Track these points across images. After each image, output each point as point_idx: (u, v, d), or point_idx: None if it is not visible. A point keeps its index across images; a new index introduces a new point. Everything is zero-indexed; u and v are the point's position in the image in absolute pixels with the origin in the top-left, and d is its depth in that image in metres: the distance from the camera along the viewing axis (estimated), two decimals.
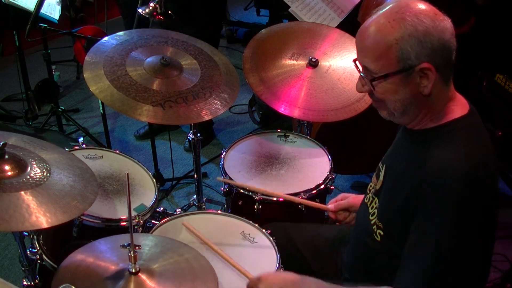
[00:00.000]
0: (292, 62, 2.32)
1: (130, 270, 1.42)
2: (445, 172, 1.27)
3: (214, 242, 1.78)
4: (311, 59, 2.29)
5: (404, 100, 1.33)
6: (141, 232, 1.91)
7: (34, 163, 1.57)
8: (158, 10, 2.56)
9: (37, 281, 1.85)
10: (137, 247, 1.42)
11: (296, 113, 2.19)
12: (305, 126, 2.48)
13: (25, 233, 1.86)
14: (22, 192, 1.44)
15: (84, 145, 2.20)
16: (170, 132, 3.34)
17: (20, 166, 1.52)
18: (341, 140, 2.81)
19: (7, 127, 3.32)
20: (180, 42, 2.22)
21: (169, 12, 2.56)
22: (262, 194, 1.99)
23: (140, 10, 2.58)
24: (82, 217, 1.82)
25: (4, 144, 1.50)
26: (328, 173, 2.14)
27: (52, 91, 3.57)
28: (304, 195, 2.02)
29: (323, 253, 1.83)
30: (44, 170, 1.56)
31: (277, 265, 1.72)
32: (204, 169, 3.35)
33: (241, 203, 2.09)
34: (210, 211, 2.07)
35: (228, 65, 2.21)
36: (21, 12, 3.14)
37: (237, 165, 2.20)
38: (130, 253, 1.40)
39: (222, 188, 2.17)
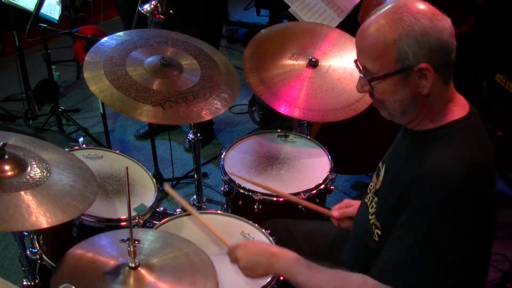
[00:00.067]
0: (292, 62, 2.32)
1: (130, 264, 1.42)
2: (438, 171, 1.27)
3: (214, 242, 1.78)
4: (311, 59, 2.29)
5: (404, 101, 1.33)
6: None
7: (34, 163, 1.57)
8: (159, 9, 2.56)
9: (37, 281, 1.85)
10: (136, 242, 1.42)
11: (296, 113, 2.19)
12: (305, 126, 2.48)
13: (25, 233, 1.86)
14: (22, 192, 1.44)
15: (84, 145, 2.20)
16: (170, 132, 3.34)
17: (20, 166, 1.52)
18: (341, 140, 2.81)
19: (7, 127, 3.32)
20: (180, 42, 2.22)
21: (170, 11, 2.56)
22: (269, 195, 1.99)
23: (141, 8, 2.57)
24: (82, 217, 1.82)
25: (4, 144, 1.50)
26: (328, 173, 2.15)
27: (52, 91, 3.57)
28: (304, 195, 2.02)
29: (323, 251, 1.83)
30: (44, 170, 1.56)
31: None
32: (204, 169, 3.35)
33: (241, 203, 2.09)
34: (210, 211, 2.07)
35: (228, 65, 2.21)
36: (21, 12, 3.14)
37: (237, 165, 2.20)
38: (130, 247, 1.40)
39: (222, 188, 2.17)
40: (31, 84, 3.73)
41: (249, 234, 1.85)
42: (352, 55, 2.31)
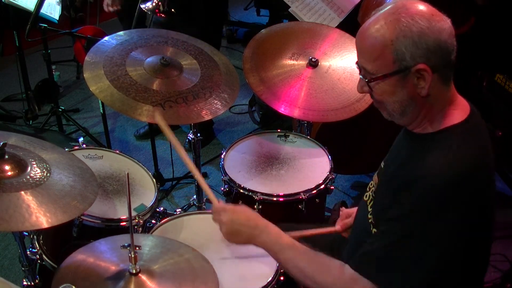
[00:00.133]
0: (292, 62, 2.32)
1: (131, 270, 1.42)
2: (431, 175, 1.27)
3: (214, 242, 1.78)
4: (311, 59, 2.29)
5: (402, 102, 1.34)
6: (141, 232, 1.91)
7: (34, 163, 1.57)
8: (161, 8, 2.56)
9: (37, 281, 1.85)
10: (137, 248, 1.42)
11: (296, 113, 2.19)
12: (305, 126, 2.48)
13: (25, 233, 1.86)
14: (22, 192, 1.44)
15: (84, 145, 2.20)
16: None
17: (20, 166, 1.52)
18: (341, 140, 2.81)
19: (7, 127, 3.32)
20: (180, 42, 2.22)
21: (172, 10, 2.56)
22: (268, 195, 1.98)
23: (142, 6, 2.57)
24: (82, 217, 1.82)
25: (4, 144, 1.50)
26: (328, 173, 2.15)
27: (52, 91, 3.57)
28: (304, 195, 2.02)
29: (323, 252, 1.83)
30: (44, 170, 1.56)
31: (276, 264, 1.72)
32: (204, 169, 3.35)
33: (241, 203, 2.09)
34: (210, 211, 2.07)
35: (228, 65, 2.21)
36: (21, 12, 3.14)
37: (237, 165, 2.20)
38: (131, 253, 1.40)
39: (222, 188, 2.18)
40: (31, 84, 3.73)
41: None
42: (352, 55, 2.31)
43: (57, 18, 3.25)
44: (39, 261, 1.91)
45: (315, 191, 2.06)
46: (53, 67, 3.69)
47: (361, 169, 3.18)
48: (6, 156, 1.51)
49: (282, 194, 2.03)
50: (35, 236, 1.96)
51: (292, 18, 2.82)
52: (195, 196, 2.53)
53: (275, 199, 2.02)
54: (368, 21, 1.33)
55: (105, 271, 1.46)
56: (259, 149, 2.30)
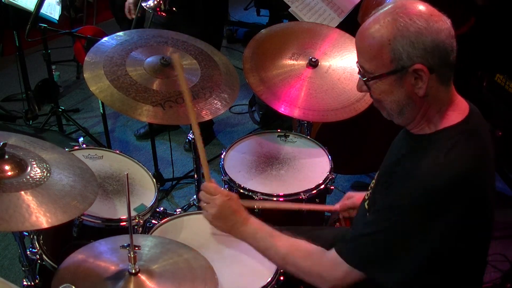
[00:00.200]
0: (292, 62, 2.32)
1: (130, 270, 1.42)
2: (424, 174, 1.28)
3: (214, 242, 1.78)
4: (311, 59, 2.29)
5: (400, 101, 1.34)
6: (141, 232, 1.91)
7: (34, 163, 1.57)
8: (162, 7, 2.56)
9: (37, 281, 1.85)
10: (136, 248, 1.42)
11: (296, 113, 2.19)
12: (305, 126, 2.48)
13: (25, 233, 1.86)
14: (22, 192, 1.44)
15: (84, 145, 2.20)
16: (170, 132, 3.34)
17: (20, 166, 1.52)
18: (341, 140, 2.81)
19: (7, 127, 3.32)
20: (180, 42, 2.22)
21: (173, 9, 2.55)
22: (269, 195, 1.99)
23: (143, 4, 2.57)
24: (82, 217, 1.82)
25: (4, 144, 1.50)
26: (328, 173, 2.15)
27: (52, 91, 3.57)
28: (304, 195, 2.02)
29: None
30: (44, 170, 1.56)
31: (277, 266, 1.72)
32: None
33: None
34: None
35: (228, 65, 2.21)
36: (21, 12, 3.14)
37: (237, 165, 2.20)
38: (130, 253, 1.40)
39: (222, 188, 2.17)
40: (31, 84, 3.73)
41: None
42: (352, 55, 2.31)
43: (57, 18, 3.25)
44: (39, 261, 1.91)
45: (315, 191, 2.06)
46: (53, 67, 3.69)
47: (361, 169, 3.18)
48: (6, 156, 1.51)
49: (282, 194, 2.03)
50: (35, 236, 1.96)
51: (292, 18, 2.81)
52: (195, 196, 2.53)
53: (275, 199, 2.02)
54: (367, 21, 1.34)
55: (105, 271, 1.46)
56: (259, 149, 2.30)
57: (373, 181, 1.62)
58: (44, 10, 3.07)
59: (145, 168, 2.17)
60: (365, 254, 1.37)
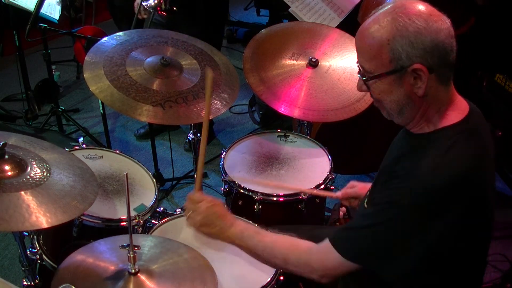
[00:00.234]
0: (292, 62, 2.32)
1: (130, 270, 1.42)
2: (422, 173, 1.28)
3: (214, 242, 1.78)
4: (311, 59, 2.29)
5: (399, 101, 1.34)
6: (141, 232, 1.91)
7: (34, 163, 1.57)
8: (162, 6, 2.56)
9: (37, 281, 1.85)
10: (136, 248, 1.42)
11: (296, 113, 2.19)
12: (305, 126, 2.48)
13: (25, 233, 1.85)
14: (22, 192, 1.44)
15: (84, 145, 2.20)
16: (170, 132, 3.34)
17: (20, 166, 1.52)
18: (341, 140, 2.81)
19: (7, 127, 3.32)
20: (180, 42, 2.22)
21: (174, 8, 2.55)
22: (269, 195, 1.98)
23: (144, 4, 2.57)
24: (82, 217, 1.82)
25: (4, 144, 1.50)
26: (328, 173, 2.15)
27: (52, 91, 3.57)
28: (304, 195, 2.02)
29: None
30: (44, 170, 1.56)
31: None
32: (204, 169, 3.34)
33: (241, 203, 2.09)
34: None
35: (228, 65, 2.21)
36: (21, 12, 3.14)
37: (237, 165, 2.20)
38: (130, 253, 1.40)
39: (222, 188, 2.18)
40: (31, 84, 3.73)
41: None
42: (352, 55, 2.31)
43: (57, 18, 3.25)
44: (39, 261, 1.91)
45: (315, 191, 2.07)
46: (53, 67, 3.69)
47: (361, 169, 3.18)
48: (6, 156, 1.51)
49: (282, 194, 2.03)
50: (35, 236, 1.96)
51: (292, 18, 2.81)
52: None
53: (275, 199, 2.02)
54: (367, 21, 1.34)
55: (105, 271, 1.46)
56: (259, 149, 2.30)
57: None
58: (44, 10, 3.07)
59: (145, 168, 2.17)
60: (357, 245, 1.37)
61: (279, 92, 2.23)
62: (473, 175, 1.30)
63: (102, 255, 1.53)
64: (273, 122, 3.72)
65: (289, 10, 2.81)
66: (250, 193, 2.03)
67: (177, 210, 2.05)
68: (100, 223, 1.86)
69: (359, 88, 1.42)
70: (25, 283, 1.85)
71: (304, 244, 1.48)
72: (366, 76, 1.35)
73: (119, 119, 3.92)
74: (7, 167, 1.49)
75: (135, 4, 3.05)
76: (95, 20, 5.27)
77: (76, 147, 2.17)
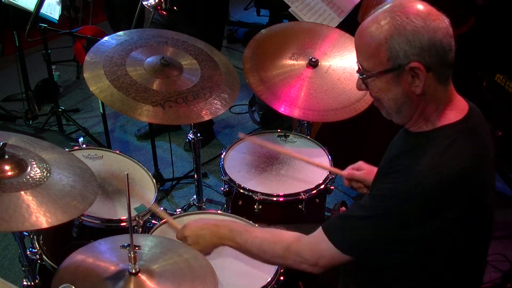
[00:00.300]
0: (292, 62, 2.32)
1: (130, 270, 1.42)
2: (421, 171, 1.28)
3: None
4: (311, 59, 2.29)
5: (398, 99, 1.35)
6: (141, 232, 1.91)
7: (34, 163, 1.57)
8: (163, 6, 2.55)
9: (37, 281, 1.85)
10: (137, 248, 1.42)
11: (296, 113, 2.19)
12: (305, 126, 2.48)
13: (25, 233, 1.86)
14: (22, 192, 1.44)
15: (84, 145, 2.20)
16: (170, 133, 3.34)
17: (20, 166, 1.52)
18: (341, 140, 2.81)
19: (7, 127, 3.32)
20: (180, 42, 2.22)
21: (174, 8, 2.55)
22: (269, 195, 1.99)
23: (144, 3, 2.56)
24: (82, 217, 1.82)
25: (4, 144, 1.50)
26: (328, 173, 2.15)
27: (52, 91, 3.57)
28: (304, 195, 2.02)
29: None
30: (44, 170, 1.56)
31: (276, 266, 1.72)
32: (204, 169, 3.35)
33: (241, 203, 2.09)
34: (210, 211, 2.07)
35: (228, 65, 2.21)
36: (21, 12, 3.14)
37: (237, 165, 2.20)
38: (130, 253, 1.40)
39: (222, 188, 2.18)
40: (31, 84, 3.73)
41: None
42: (352, 55, 2.31)
43: (57, 18, 3.25)
44: (39, 261, 1.91)
45: (315, 191, 2.07)
46: (53, 67, 3.69)
47: None
48: (6, 156, 1.50)
49: (282, 194, 2.03)
50: (35, 236, 1.96)
51: (292, 18, 2.81)
52: (195, 196, 2.53)
53: (275, 199, 2.02)
54: (366, 20, 1.35)
55: (105, 271, 1.46)
56: (259, 149, 2.30)
57: None
58: (44, 10, 3.07)
59: (145, 168, 2.17)
60: (350, 235, 1.38)
61: (279, 92, 2.22)
62: (473, 175, 1.30)
63: (102, 255, 1.53)
64: (273, 122, 3.72)
65: (289, 10, 2.81)
66: (250, 193, 2.03)
67: (177, 210, 2.05)
68: (100, 223, 1.86)
69: (359, 87, 1.43)
70: (25, 283, 1.85)
71: (293, 234, 1.49)
72: (365, 75, 1.36)
73: (119, 119, 3.92)
74: (7, 167, 1.49)
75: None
76: (96, 20, 5.27)
77: (76, 147, 2.17)
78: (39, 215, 1.40)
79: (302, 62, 2.31)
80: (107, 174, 2.09)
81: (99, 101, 3.17)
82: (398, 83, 1.32)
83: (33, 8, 2.93)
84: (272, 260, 1.52)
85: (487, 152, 1.37)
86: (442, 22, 1.28)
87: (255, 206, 2.02)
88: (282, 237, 1.49)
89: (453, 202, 1.29)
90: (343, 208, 2.10)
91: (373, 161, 1.88)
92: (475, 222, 1.35)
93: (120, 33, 2.18)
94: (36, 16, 2.93)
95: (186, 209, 2.72)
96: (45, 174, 1.54)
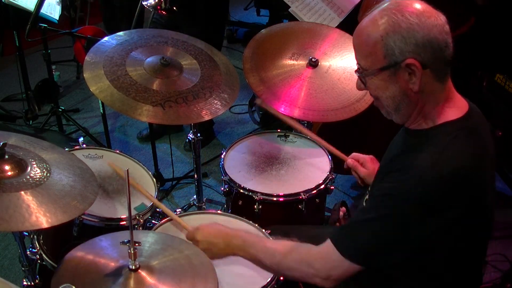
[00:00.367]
0: (292, 62, 2.32)
1: (130, 266, 1.42)
2: (420, 169, 1.28)
3: None
4: (311, 59, 2.29)
5: (395, 97, 1.35)
6: None
7: (34, 163, 1.57)
8: (162, 5, 2.55)
9: (37, 281, 1.85)
10: (137, 244, 1.42)
11: (296, 113, 2.19)
12: (305, 126, 2.48)
13: (25, 233, 1.86)
14: (22, 192, 1.44)
15: (84, 145, 2.20)
16: (171, 135, 3.34)
17: (20, 166, 1.52)
18: (341, 140, 2.80)
19: (7, 127, 3.32)
20: (180, 42, 2.22)
21: (174, 8, 2.55)
22: (269, 195, 1.99)
23: (144, 3, 2.56)
24: (82, 216, 1.82)
25: (4, 144, 1.50)
26: (328, 173, 2.15)
27: (52, 91, 3.57)
28: (304, 195, 2.02)
29: None
30: (44, 170, 1.56)
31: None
32: (204, 169, 3.35)
33: (241, 203, 2.09)
34: (210, 211, 2.07)
35: (228, 65, 2.21)
36: (21, 12, 3.14)
37: (237, 165, 2.20)
38: (130, 249, 1.40)
39: (222, 188, 2.18)
40: (31, 84, 3.73)
41: None
42: (352, 55, 2.29)
43: (57, 18, 3.25)
44: (39, 261, 1.91)
45: (315, 191, 2.07)
46: (53, 67, 3.69)
47: None
48: (6, 156, 1.50)
49: (282, 194, 2.03)
50: (35, 236, 1.96)
51: (292, 18, 2.81)
52: (195, 196, 2.53)
53: (275, 199, 2.02)
54: (364, 20, 1.37)
55: (105, 267, 1.46)
56: (259, 149, 2.30)
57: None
58: (44, 10, 3.07)
59: (145, 168, 2.17)
60: (356, 241, 1.37)
61: (279, 92, 2.22)
62: (473, 175, 1.31)
63: (103, 251, 1.53)
64: (273, 122, 3.72)
65: (289, 10, 2.80)
66: (250, 193, 2.03)
67: (177, 210, 2.05)
68: (99, 222, 1.86)
69: (358, 87, 1.44)
70: (25, 283, 1.85)
71: (305, 246, 1.48)
72: (363, 73, 1.37)
73: (119, 119, 3.92)
74: (7, 167, 1.49)
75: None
76: (96, 20, 5.26)
77: (76, 147, 2.17)
78: (39, 215, 1.41)
79: (302, 62, 2.31)
80: (107, 174, 2.09)
81: (99, 101, 3.17)
82: (396, 81, 1.32)
83: (33, 8, 2.93)
84: (285, 273, 1.51)
85: (487, 152, 1.37)
86: (437, 19, 1.29)
87: (255, 206, 2.02)
88: (295, 249, 1.48)
89: (453, 202, 1.29)
90: (343, 208, 2.10)
91: None
92: (475, 222, 1.35)
93: (120, 33, 2.18)
94: (36, 16, 2.93)
95: (186, 209, 2.72)
96: (45, 174, 1.54)
